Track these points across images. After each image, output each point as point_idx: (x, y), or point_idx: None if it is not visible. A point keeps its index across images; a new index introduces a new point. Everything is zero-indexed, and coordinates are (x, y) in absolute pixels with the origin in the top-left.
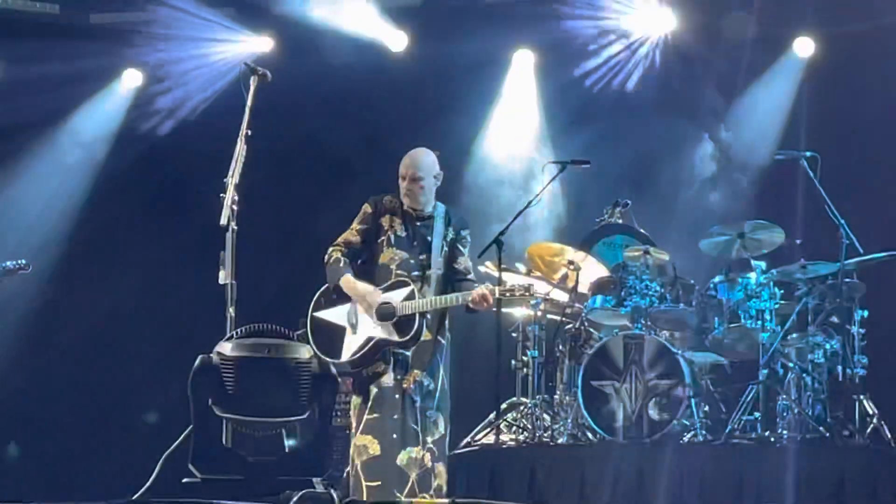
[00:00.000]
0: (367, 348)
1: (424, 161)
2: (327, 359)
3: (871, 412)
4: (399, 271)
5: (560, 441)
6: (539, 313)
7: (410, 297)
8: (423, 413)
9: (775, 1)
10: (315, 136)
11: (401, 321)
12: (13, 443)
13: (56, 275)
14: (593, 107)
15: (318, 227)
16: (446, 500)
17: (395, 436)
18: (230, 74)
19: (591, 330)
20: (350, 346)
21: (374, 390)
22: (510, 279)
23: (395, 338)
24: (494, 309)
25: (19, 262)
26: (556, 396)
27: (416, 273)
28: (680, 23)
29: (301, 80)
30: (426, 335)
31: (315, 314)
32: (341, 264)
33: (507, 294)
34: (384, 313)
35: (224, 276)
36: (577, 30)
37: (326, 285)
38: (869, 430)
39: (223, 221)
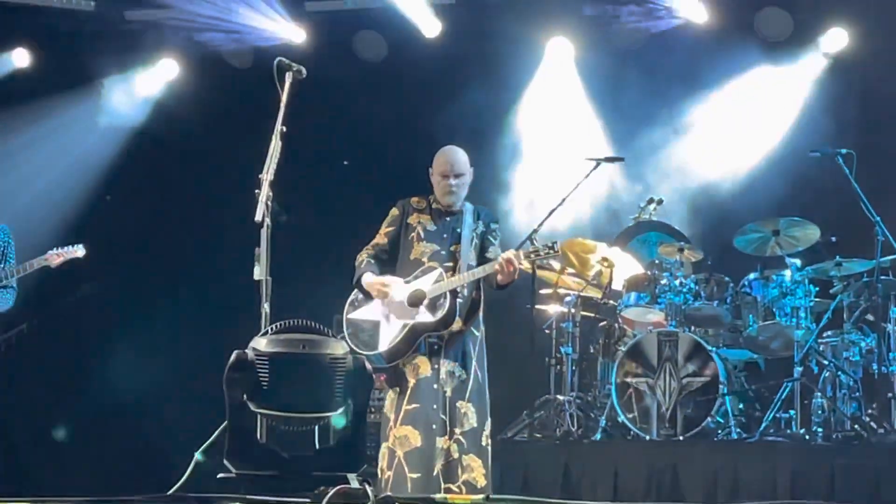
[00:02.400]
0: (403, 334)
1: (463, 159)
2: (367, 352)
3: None
4: (430, 263)
5: (594, 437)
6: (573, 310)
7: (439, 279)
8: (452, 404)
9: None
10: (350, 130)
11: (433, 303)
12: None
13: (90, 269)
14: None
15: (354, 224)
16: (480, 497)
17: (434, 426)
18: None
19: (625, 327)
20: (386, 336)
21: (411, 381)
22: (543, 276)
23: (430, 319)
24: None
25: (74, 246)
26: (589, 393)
27: (447, 264)
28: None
29: (334, 73)
30: (458, 324)
31: (349, 316)
32: (364, 265)
33: (532, 255)
34: (415, 298)
35: (259, 272)
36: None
37: (356, 290)
38: None
39: (258, 217)
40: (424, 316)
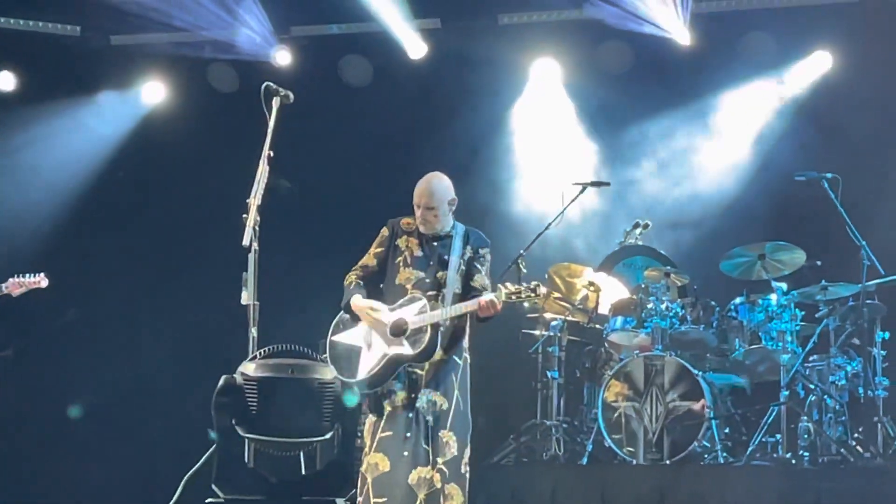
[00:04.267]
0: (381, 365)
1: (437, 189)
2: (347, 378)
3: (892, 434)
4: (415, 291)
5: (581, 462)
6: (559, 334)
7: (423, 310)
8: (434, 433)
9: (792, 16)
10: (335, 153)
11: (414, 335)
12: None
13: (76, 294)
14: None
15: (340, 248)
16: None
17: (405, 454)
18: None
19: (612, 351)
20: (366, 365)
21: (387, 408)
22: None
23: (409, 352)
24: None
25: (36, 275)
26: (576, 417)
27: (431, 292)
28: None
29: (320, 97)
30: (440, 354)
31: (333, 338)
32: (352, 287)
33: (514, 297)
34: (397, 329)
35: (246, 297)
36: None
37: (342, 311)
38: (890, 452)
39: (245, 242)
40: (405, 348)
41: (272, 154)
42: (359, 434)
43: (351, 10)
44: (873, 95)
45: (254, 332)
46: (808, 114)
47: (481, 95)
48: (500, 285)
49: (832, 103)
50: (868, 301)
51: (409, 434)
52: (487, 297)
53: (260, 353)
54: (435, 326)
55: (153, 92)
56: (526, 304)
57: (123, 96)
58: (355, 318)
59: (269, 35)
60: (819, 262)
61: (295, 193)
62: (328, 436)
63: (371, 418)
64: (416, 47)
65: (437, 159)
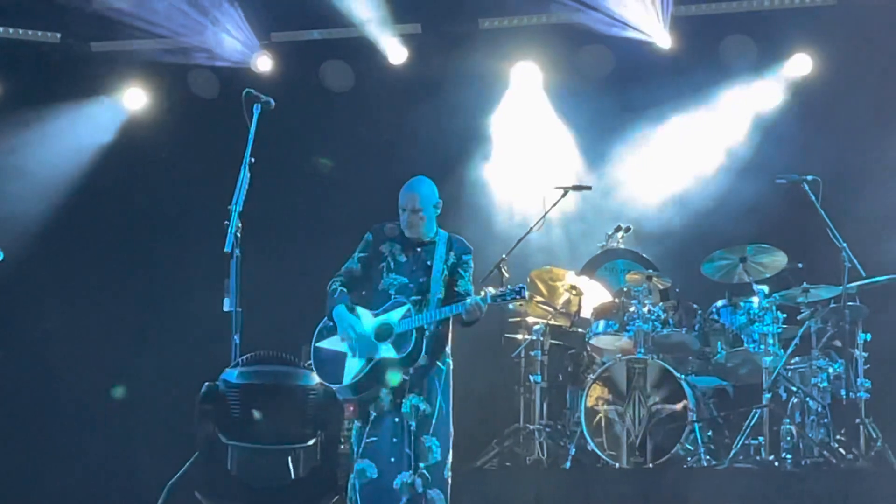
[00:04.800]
0: (367, 371)
1: (423, 192)
2: (332, 384)
3: (874, 436)
4: (398, 296)
5: (564, 466)
6: (542, 338)
7: (407, 315)
8: (417, 438)
9: (772, 19)
10: (311, 158)
11: (399, 339)
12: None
13: (59, 300)
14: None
15: (322, 253)
16: None
17: (392, 459)
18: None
19: (594, 355)
20: (352, 370)
21: (373, 414)
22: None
23: (395, 355)
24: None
25: None
26: (559, 421)
27: (415, 297)
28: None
29: (301, 103)
30: (424, 359)
31: (317, 344)
32: (336, 294)
33: (499, 299)
34: (382, 333)
35: (229, 304)
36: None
37: (326, 317)
38: (873, 454)
39: (227, 248)
40: (390, 352)
41: (254, 160)
42: (343, 440)
43: (331, 15)
44: (852, 97)
45: (236, 338)
46: (788, 116)
47: (462, 100)
48: (484, 289)
49: (812, 106)
50: (849, 303)
51: (395, 439)
52: (473, 300)
53: (242, 360)
54: (420, 330)
55: (134, 98)
56: (511, 306)
57: (104, 103)
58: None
59: (250, 41)
60: (801, 265)
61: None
62: (311, 442)
63: (357, 424)
64: (396, 52)
65: (419, 164)
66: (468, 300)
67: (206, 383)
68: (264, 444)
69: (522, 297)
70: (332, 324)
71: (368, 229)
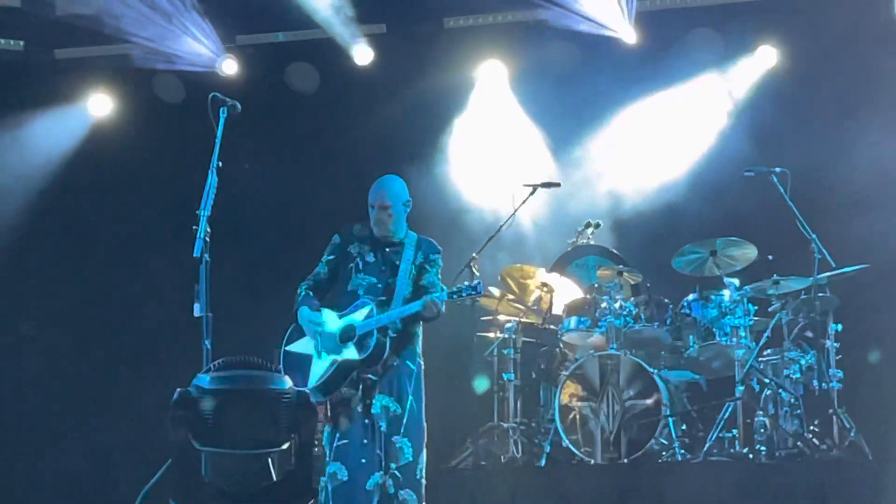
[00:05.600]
0: (331, 372)
1: (392, 189)
2: (299, 387)
3: (848, 426)
4: (366, 296)
5: (539, 464)
6: (514, 336)
7: (370, 315)
8: (388, 439)
9: (737, 12)
10: (284, 162)
11: (362, 340)
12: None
13: (28, 307)
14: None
15: (292, 256)
16: None
17: (363, 461)
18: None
19: (567, 351)
20: (316, 373)
21: (343, 416)
22: (484, 303)
23: (357, 357)
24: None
25: None
26: (533, 419)
27: (382, 297)
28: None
29: (267, 106)
30: (393, 359)
31: (287, 348)
32: (300, 297)
33: (455, 296)
34: (345, 334)
35: (199, 309)
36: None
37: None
38: (846, 444)
39: (196, 253)
40: (352, 353)
41: (221, 164)
42: (317, 442)
43: (296, 17)
44: (819, 88)
45: (208, 343)
46: (755, 109)
47: (429, 99)
48: (441, 286)
49: (778, 97)
50: (820, 294)
51: (366, 441)
52: (428, 297)
53: (214, 365)
54: (382, 330)
55: (100, 105)
56: (469, 302)
57: (70, 110)
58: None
59: (215, 45)
60: (771, 257)
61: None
62: (285, 446)
63: (328, 427)
64: (362, 53)
65: (387, 164)
66: (424, 297)
67: (178, 389)
68: (238, 449)
69: (479, 294)
70: (299, 327)
71: (336, 231)
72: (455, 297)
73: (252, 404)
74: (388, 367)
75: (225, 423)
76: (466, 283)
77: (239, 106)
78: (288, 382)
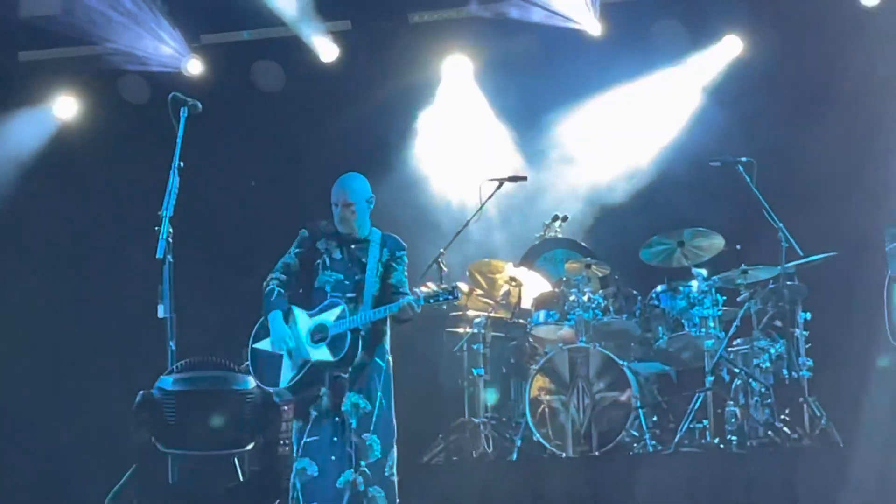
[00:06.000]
0: (303, 372)
1: (355, 186)
2: (269, 386)
3: (818, 414)
4: (334, 293)
5: (510, 458)
6: (483, 331)
7: (342, 316)
8: (358, 436)
9: (701, 2)
10: (250, 161)
11: (334, 341)
12: None
13: None
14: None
15: (257, 255)
16: None
17: (333, 458)
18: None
19: (536, 345)
20: (287, 373)
21: (313, 413)
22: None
23: (330, 358)
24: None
25: None
26: (504, 414)
27: (350, 295)
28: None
29: (233, 105)
30: (362, 357)
31: (254, 346)
32: (273, 297)
33: (432, 300)
34: (317, 335)
35: (163, 310)
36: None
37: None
38: (817, 432)
39: (159, 254)
40: (325, 354)
41: (182, 165)
42: (283, 442)
43: (261, 15)
44: (784, 78)
45: (172, 344)
46: (720, 99)
47: (395, 95)
48: (417, 290)
49: (744, 87)
50: (788, 282)
51: (335, 438)
52: (405, 300)
53: (177, 367)
54: (355, 331)
55: (65, 107)
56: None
57: (35, 112)
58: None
59: (180, 44)
60: (739, 247)
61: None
62: (250, 447)
63: (297, 424)
64: (327, 50)
65: (353, 161)
66: (401, 300)
67: (141, 392)
68: (202, 450)
69: (456, 299)
70: (267, 325)
71: (303, 226)
72: (432, 302)
73: (215, 405)
74: (357, 364)
75: (188, 425)
76: (444, 287)
77: (200, 105)
78: (252, 383)
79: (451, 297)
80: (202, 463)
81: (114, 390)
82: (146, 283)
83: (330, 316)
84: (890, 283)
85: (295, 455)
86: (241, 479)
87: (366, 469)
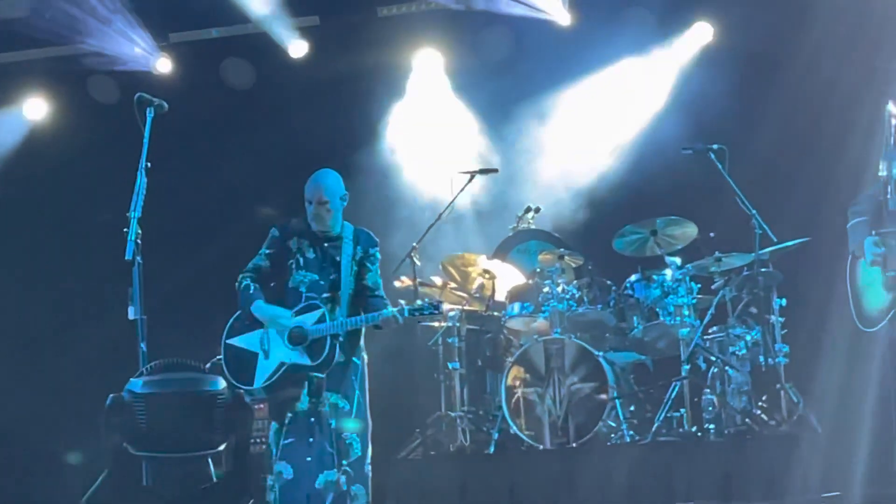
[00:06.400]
0: (280, 373)
1: (329, 184)
2: (242, 386)
3: (795, 400)
4: (309, 293)
5: (488, 451)
6: (458, 325)
7: (322, 320)
8: (338, 435)
9: None
10: (222, 159)
11: (313, 345)
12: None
13: None
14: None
15: (230, 255)
16: None
17: (309, 459)
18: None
19: (511, 338)
20: (263, 372)
21: (288, 415)
22: (426, 292)
23: (308, 362)
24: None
25: None
26: (480, 407)
27: (325, 295)
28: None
29: (203, 103)
30: (340, 357)
31: (228, 341)
32: (251, 290)
33: (417, 314)
34: (296, 337)
35: (133, 312)
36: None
37: (239, 312)
38: (795, 418)
39: (128, 256)
40: (303, 358)
41: (150, 165)
42: (257, 441)
43: (229, 12)
44: (755, 64)
45: (143, 346)
46: (692, 86)
47: (365, 89)
48: (402, 302)
49: (715, 74)
50: (762, 269)
51: (312, 439)
52: (389, 312)
53: (147, 369)
54: (334, 337)
55: (35, 108)
56: (411, 290)
57: (4, 114)
58: (254, 322)
59: (149, 43)
60: (713, 234)
61: None
62: (221, 448)
63: (274, 425)
64: (296, 46)
65: (324, 157)
66: (385, 312)
67: (111, 395)
68: (174, 452)
69: (440, 313)
70: (246, 321)
71: (273, 224)
72: (416, 315)
73: (186, 407)
74: (335, 365)
75: (159, 427)
76: (427, 300)
77: (166, 105)
78: (222, 383)
79: (435, 311)
80: (175, 465)
81: (86, 393)
82: (119, 284)
83: (309, 319)
84: (852, 262)
85: (274, 458)
86: (214, 479)
87: (348, 468)
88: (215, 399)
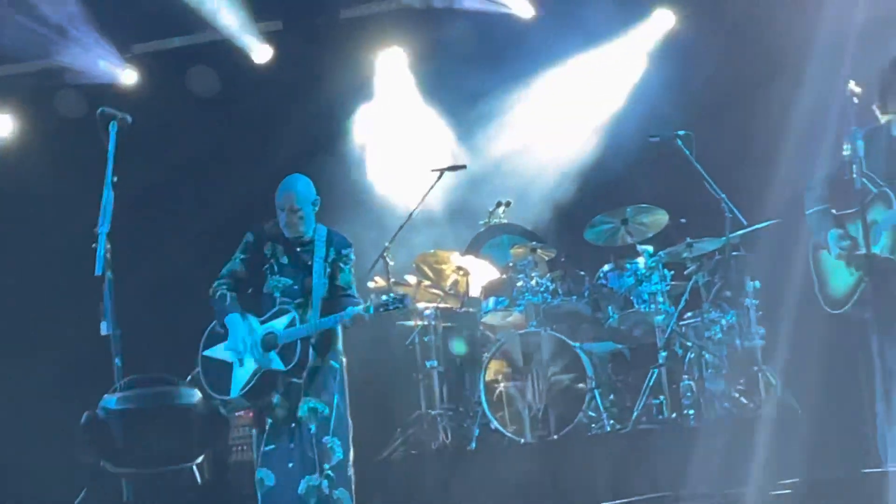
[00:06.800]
0: (255, 380)
1: (300, 190)
2: (220, 396)
3: (773, 382)
4: (283, 298)
5: (469, 447)
6: (434, 323)
7: (292, 324)
8: (318, 440)
9: None
10: (190, 168)
11: (284, 349)
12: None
13: None
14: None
15: (201, 265)
16: None
17: (290, 465)
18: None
19: (488, 333)
20: (239, 381)
21: (269, 422)
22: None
23: (282, 367)
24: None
25: None
26: (460, 404)
27: (299, 299)
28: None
29: (169, 113)
30: (316, 361)
31: (205, 353)
32: (227, 301)
33: (381, 309)
34: (267, 343)
35: (105, 327)
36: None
37: (214, 322)
38: (774, 400)
39: (98, 272)
40: (276, 362)
41: (116, 179)
42: (241, 449)
43: (190, 20)
44: (718, 49)
45: (118, 361)
46: (655, 74)
47: (331, 92)
48: (368, 299)
49: (679, 60)
50: (734, 253)
51: (292, 445)
52: (355, 310)
53: (120, 385)
54: (305, 339)
55: (1, 125)
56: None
57: None
58: (227, 332)
59: (112, 55)
60: (684, 220)
61: None
62: (199, 460)
63: (255, 433)
64: (260, 51)
65: (293, 162)
66: (351, 310)
67: (86, 412)
68: (152, 468)
69: (405, 307)
70: (221, 330)
71: (248, 229)
72: (382, 311)
73: (161, 421)
74: (311, 368)
75: (136, 443)
76: (392, 295)
77: (130, 118)
78: (197, 396)
79: (400, 305)
80: (155, 480)
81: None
82: (92, 300)
83: (279, 324)
84: (815, 250)
85: (256, 466)
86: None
87: (330, 472)
88: (189, 412)
